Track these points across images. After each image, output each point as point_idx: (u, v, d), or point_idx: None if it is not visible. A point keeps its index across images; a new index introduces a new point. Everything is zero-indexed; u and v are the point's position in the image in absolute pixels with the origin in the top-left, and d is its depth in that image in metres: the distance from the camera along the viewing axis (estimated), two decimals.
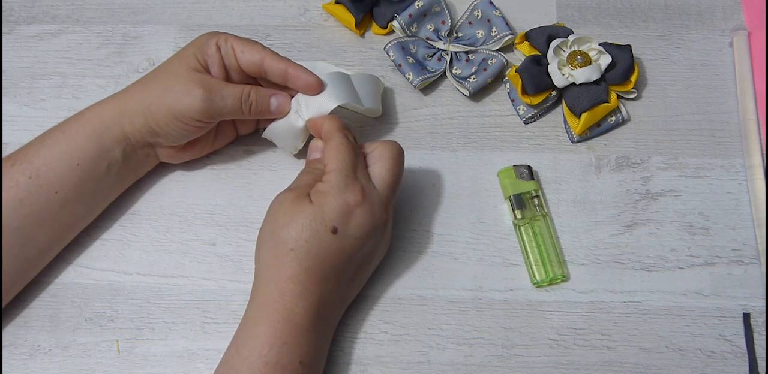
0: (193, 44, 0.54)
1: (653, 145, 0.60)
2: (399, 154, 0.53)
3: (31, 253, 0.53)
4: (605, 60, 0.59)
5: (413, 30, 0.63)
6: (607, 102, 0.59)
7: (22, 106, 0.62)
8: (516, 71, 0.59)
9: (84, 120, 0.53)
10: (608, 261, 0.56)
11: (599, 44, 0.60)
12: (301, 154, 0.59)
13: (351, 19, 0.63)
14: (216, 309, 0.55)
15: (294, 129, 0.55)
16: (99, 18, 0.66)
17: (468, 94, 0.61)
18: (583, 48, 0.60)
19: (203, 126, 0.54)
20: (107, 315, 0.55)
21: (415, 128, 0.61)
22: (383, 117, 0.61)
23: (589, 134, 0.60)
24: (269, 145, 0.59)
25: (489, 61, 0.61)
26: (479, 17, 0.62)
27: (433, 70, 0.62)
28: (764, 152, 0.59)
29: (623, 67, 0.59)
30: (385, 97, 0.62)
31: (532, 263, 0.55)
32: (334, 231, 0.48)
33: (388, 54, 0.62)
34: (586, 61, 0.59)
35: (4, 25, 0.66)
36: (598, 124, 0.60)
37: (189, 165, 0.60)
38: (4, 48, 0.65)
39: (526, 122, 0.61)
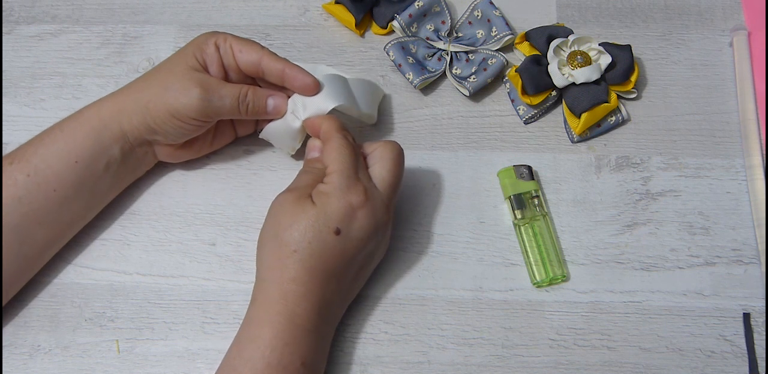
0: (192, 43, 0.54)
1: (653, 145, 0.60)
2: (399, 155, 0.53)
3: (30, 252, 0.53)
4: (605, 60, 0.59)
5: (413, 30, 0.63)
6: (607, 102, 0.59)
7: (22, 106, 0.62)
8: (516, 71, 0.59)
9: (82, 118, 0.53)
10: (608, 261, 0.56)
11: (599, 44, 0.60)
12: (300, 153, 0.59)
13: (351, 19, 0.63)
14: (216, 309, 0.55)
15: (291, 129, 0.55)
16: (99, 18, 0.66)
17: (468, 94, 0.61)
18: (583, 48, 0.60)
19: (201, 125, 0.54)
20: (107, 315, 0.55)
21: (415, 128, 0.61)
22: (383, 117, 0.61)
23: (589, 134, 0.60)
24: (269, 145, 0.59)
25: (489, 61, 0.61)
26: (479, 17, 0.62)
27: (433, 70, 0.62)
28: (764, 152, 0.59)
29: (623, 67, 0.59)
30: (385, 97, 0.62)
31: (532, 263, 0.55)
32: (338, 232, 0.48)
33: (388, 54, 0.62)
34: (586, 61, 0.59)
35: (4, 25, 0.66)
36: (598, 124, 0.60)
37: (189, 165, 0.60)
38: (4, 48, 0.65)
39: (526, 122, 0.61)
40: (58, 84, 0.63)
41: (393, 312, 0.55)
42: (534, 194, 0.57)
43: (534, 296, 0.55)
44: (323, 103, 0.54)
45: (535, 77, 0.59)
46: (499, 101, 0.62)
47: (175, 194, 0.59)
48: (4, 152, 0.55)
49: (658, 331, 0.54)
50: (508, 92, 0.62)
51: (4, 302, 0.53)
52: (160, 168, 0.59)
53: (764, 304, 0.55)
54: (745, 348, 0.53)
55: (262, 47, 0.54)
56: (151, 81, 0.53)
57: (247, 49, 0.54)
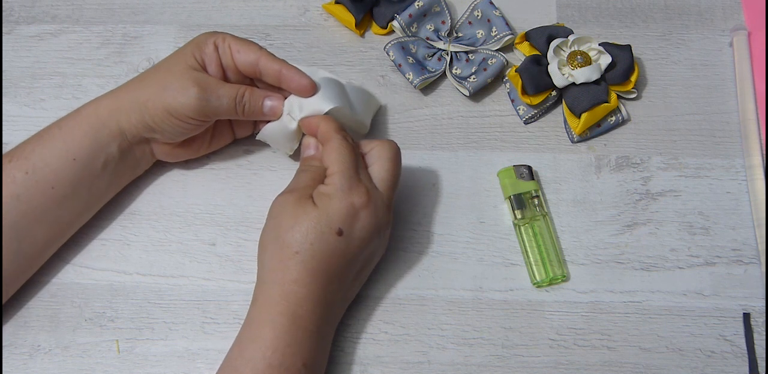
0: (191, 43, 0.54)
1: (653, 145, 0.60)
2: (397, 154, 0.53)
3: (30, 250, 0.53)
4: (605, 60, 0.59)
5: (413, 30, 0.63)
6: (607, 102, 0.59)
7: (22, 106, 0.62)
8: (516, 71, 0.59)
9: (80, 116, 0.53)
10: (608, 261, 0.56)
11: (599, 44, 0.60)
12: (299, 153, 0.59)
13: (351, 19, 0.63)
14: (216, 309, 0.55)
15: (287, 131, 0.55)
16: (99, 18, 0.66)
17: (468, 94, 0.61)
18: (583, 48, 0.60)
19: (199, 124, 0.54)
20: (107, 315, 0.55)
21: (415, 128, 0.61)
22: (383, 117, 0.61)
23: (589, 134, 0.60)
24: (269, 145, 0.59)
25: (489, 61, 0.61)
26: (479, 17, 0.62)
27: (433, 70, 0.62)
28: (764, 152, 0.59)
29: (623, 67, 0.59)
30: (385, 98, 0.62)
31: (532, 263, 0.55)
32: (340, 233, 0.48)
33: (388, 54, 0.62)
34: (586, 61, 0.59)
35: (4, 25, 0.66)
36: (598, 124, 0.60)
37: (188, 165, 0.60)
38: (4, 48, 0.65)
39: (526, 122, 0.61)
40: (58, 84, 0.63)
41: (393, 312, 0.55)
42: (534, 194, 0.57)
43: (534, 296, 0.55)
44: (320, 104, 0.54)
45: (535, 77, 0.59)
46: (499, 101, 0.62)
47: (175, 194, 0.59)
48: (4, 152, 0.55)
49: (658, 331, 0.54)
50: (508, 92, 0.62)
51: (3, 300, 0.53)
52: (160, 167, 0.59)
53: (764, 304, 0.55)
54: (745, 348, 0.53)
55: (260, 48, 0.54)
56: (149, 80, 0.54)
57: (245, 49, 0.54)
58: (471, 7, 0.63)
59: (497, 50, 0.62)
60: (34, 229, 0.52)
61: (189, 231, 0.58)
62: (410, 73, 0.61)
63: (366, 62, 0.64)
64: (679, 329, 0.54)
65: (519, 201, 0.57)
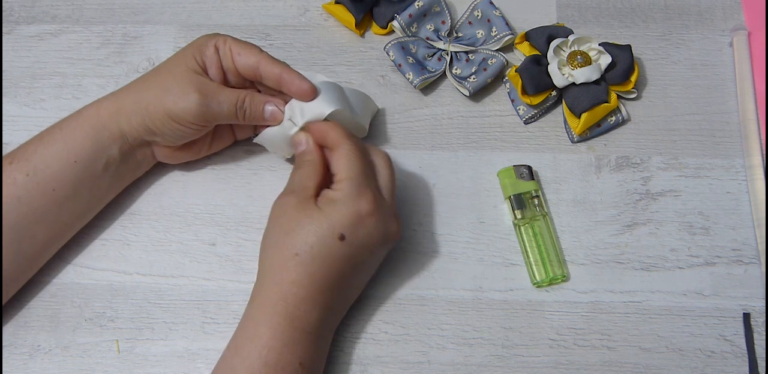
0: (192, 45, 0.54)
1: (653, 145, 0.60)
2: (390, 162, 0.53)
3: (30, 251, 0.53)
4: (605, 60, 0.59)
5: (413, 30, 0.63)
6: (607, 102, 0.59)
7: (22, 106, 0.62)
8: (516, 71, 0.59)
9: (82, 118, 0.53)
10: (608, 261, 0.56)
11: (599, 44, 0.60)
12: None
13: (351, 19, 0.63)
14: (216, 309, 0.55)
15: (287, 136, 0.54)
16: (99, 18, 0.66)
17: (468, 94, 0.61)
18: (583, 48, 0.60)
19: (199, 128, 0.54)
20: (107, 315, 0.55)
21: (415, 128, 0.61)
22: (383, 117, 0.61)
23: (589, 134, 0.60)
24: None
25: (489, 61, 0.61)
26: (479, 17, 0.62)
27: (433, 70, 0.62)
28: (764, 152, 0.59)
29: (623, 67, 0.59)
30: (385, 98, 0.62)
31: (532, 263, 0.55)
32: (342, 238, 0.48)
33: (388, 54, 0.62)
34: (586, 61, 0.59)
35: (4, 25, 0.66)
36: (598, 124, 0.60)
37: (189, 165, 0.60)
38: (4, 48, 0.65)
39: (526, 122, 0.61)
40: (58, 84, 0.63)
41: (393, 312, 0.55)
42: (534, 194, 0.57)
43: (534, 296, 0.55)
44: (321, 107, 0.53)
45: (535, 77, 0.59)
46: (499, 101, 0.62)
47: (175, 194, 0.59)
48: (4, 152, 0.55)
49: (658, 331, 0.54)
50: (508, 92, 0.62)
51: (3, 301, 0.53)
52: (160, 168, 0.59)
53: (764, 304, 0.55)
54: (745, 348, 0.53)
55: (261, 51, 0.54)
56: (150, 82, 0.53)
57: (245, 52, 0.53)
58: (471, 7, 0.63)
59: (497, 50, 0.62)
60: (34, 230, 0.52)
61: (189, 231, 0.58)
62: (410, 73, 0.61)
63: (366, 62, 0.64)
64: (679, 329, 0.54)
65: (519, 201, 0.57)
